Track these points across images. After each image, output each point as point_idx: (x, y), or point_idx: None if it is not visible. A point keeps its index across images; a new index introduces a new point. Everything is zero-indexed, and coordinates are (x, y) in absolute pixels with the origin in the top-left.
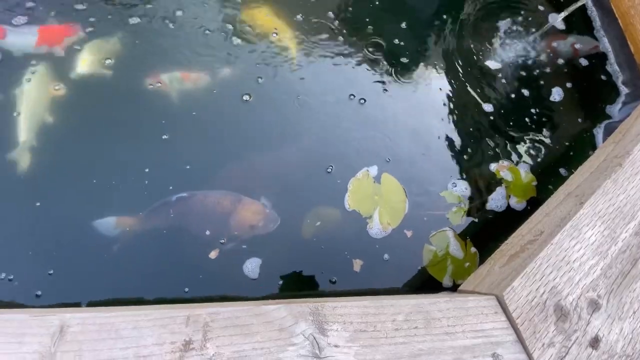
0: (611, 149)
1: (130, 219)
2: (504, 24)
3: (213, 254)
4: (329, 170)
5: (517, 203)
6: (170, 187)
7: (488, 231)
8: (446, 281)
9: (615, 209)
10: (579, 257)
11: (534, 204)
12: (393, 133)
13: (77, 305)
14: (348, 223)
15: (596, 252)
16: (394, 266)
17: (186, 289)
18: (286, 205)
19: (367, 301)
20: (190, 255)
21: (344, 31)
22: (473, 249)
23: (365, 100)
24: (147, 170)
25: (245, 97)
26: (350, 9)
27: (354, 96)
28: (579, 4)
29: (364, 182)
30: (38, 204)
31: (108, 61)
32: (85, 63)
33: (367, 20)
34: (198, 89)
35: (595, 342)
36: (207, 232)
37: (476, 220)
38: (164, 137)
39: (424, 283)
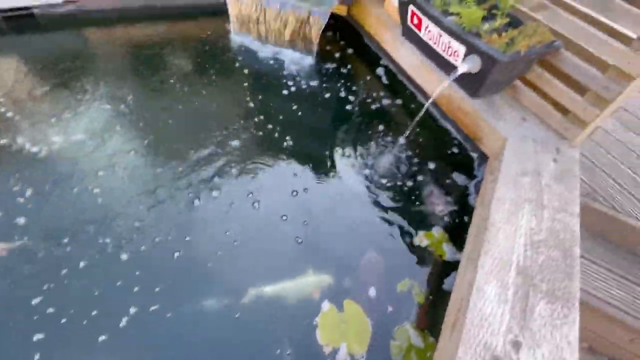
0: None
1: None
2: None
3: None
4: None
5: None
6: None
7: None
8: None
9: (498, 262)
10: (491, 311)
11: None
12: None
13: None
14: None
15: (499, 302)
16: None
17: None
18: None
19: None
20: None
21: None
22: (431, 339)
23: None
24: None
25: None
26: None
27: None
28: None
29: (330, 314)
30: None
31: None
32: None
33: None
34: None
35: None
36: None
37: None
38: None
39: None
